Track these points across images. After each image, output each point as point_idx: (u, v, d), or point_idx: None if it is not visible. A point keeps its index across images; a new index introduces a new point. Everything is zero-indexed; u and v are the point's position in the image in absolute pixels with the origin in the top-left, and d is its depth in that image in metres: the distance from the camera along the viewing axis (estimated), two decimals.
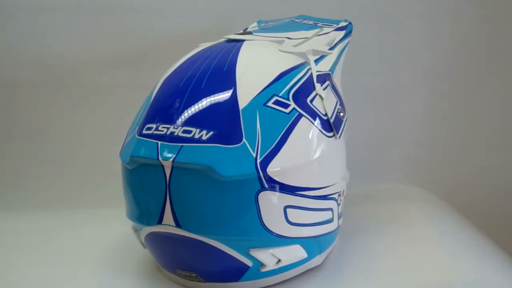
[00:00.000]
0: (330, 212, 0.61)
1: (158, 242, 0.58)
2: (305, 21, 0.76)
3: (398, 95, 0.98)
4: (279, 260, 0.57)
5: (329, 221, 0.61)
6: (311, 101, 0.58)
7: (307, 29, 0.71)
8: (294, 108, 0.56)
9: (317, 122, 0.58)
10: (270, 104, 0.55)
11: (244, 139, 0.52)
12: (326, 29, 0.70)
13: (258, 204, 0.53)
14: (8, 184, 0.93)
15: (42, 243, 0.75)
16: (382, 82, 0.96)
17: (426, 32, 0.95)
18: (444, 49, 0.96)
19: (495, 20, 0.95)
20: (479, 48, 0.96)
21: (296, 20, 0.77)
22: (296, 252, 0.58)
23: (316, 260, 0.62)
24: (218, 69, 0.58)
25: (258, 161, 0.52)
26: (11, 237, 0.78)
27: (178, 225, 0.54)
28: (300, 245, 0.58)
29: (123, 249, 0.71)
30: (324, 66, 0.63)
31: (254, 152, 0.52)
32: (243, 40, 0.65)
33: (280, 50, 0.63)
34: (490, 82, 0.97)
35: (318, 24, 0.74)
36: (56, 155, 0.94)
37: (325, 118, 0.59)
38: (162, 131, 0.54)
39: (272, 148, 0.53)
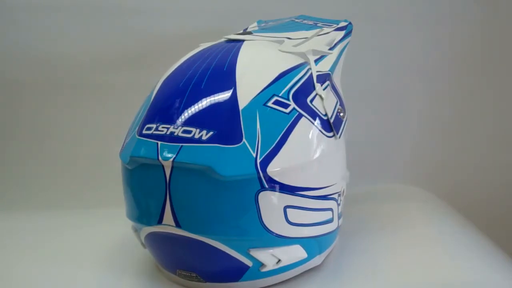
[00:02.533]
0: (330, 212, 0.61)
1: (158, 242, 0.58)
2: (305, 21, 0.76)
3: (398, 95, 0.98)
4: (279, 260, 0.57)
5: (329, 221, 0.61)
6: (311, 101, 0.58)
7: (307, 29, 0.71)
8: (294, 108, 0.56)
9: (317, 122, 0.58)
10: (270, 104, 0.55)
11: (244, 139, 0.52)
12: (326, 29, 0.70)
13: (258, 204, 0.53)
14: (9, 184, 0.93)
15: (42, 243, 0.75)
16: (382, 82, 0.96)
17: (427, 32, 0.95)
18: (444, 49, 0.96)
19: (495, 19, 0.95)
20: (478, 48, 0.96)
21: (296, 20, 0.77)
22: (296, 252, 0.58)
23: (316, 260, 0.62)
24: (218, 69, 0.58)
25: (258, 161, 0.52)
26: (11, 237, 0.78)
27: (178, 225, 0.54)
28: (300, 245, 0.58)
29: (123, 249, 0.71)
30: (324, 66, 0.63)
31: (254, 152, 0.52)
32: (243, 40, 0.65)
33: (280, 50, 0.63)
34: (490, 81, 0.97)
35: (318, 24, 0.74)
36: (56, 155, 0.94)
37: (325, 118, 0.59)
38: (162, 131, 0.54)
39: (272, 148, 0.53)
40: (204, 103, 0.55)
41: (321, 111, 0.59)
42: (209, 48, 0.64)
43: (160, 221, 0.54)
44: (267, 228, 0.54)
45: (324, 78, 0.61)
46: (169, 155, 0.52)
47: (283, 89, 0.57)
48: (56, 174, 0.93)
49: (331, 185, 0.60)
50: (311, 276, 0.62)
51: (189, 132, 0.53)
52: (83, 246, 0.73)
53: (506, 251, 0.72)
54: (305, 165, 0.56)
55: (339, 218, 0.64)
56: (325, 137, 0.58)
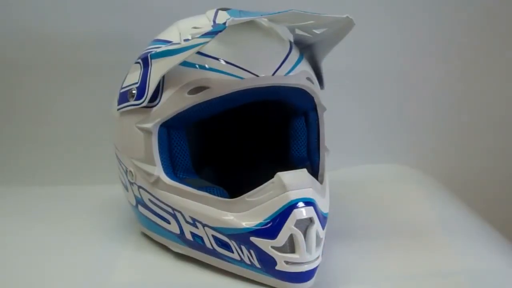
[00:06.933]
0: None
1: None
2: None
3: (402, 76, 0.97)
4: None
5: None
6: None
7: None
8: None
9: None
10: None
11: None
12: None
13: None
14: (8, 160, 0.92)
15: (36, 213, 0.77)
16: (385, 63, 0.95)
17: (435, 11, 0.94)
18: (450, 32, 0.95)
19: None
20: (481, 34, 0.96)
21: None
22: None
23: None
24: None
25: None
26: (10, 208, 0.80)
27: None
28: None
29: (114, 222, 0.74)
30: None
31: None
32: None
33: None
34: (496, 64, 0.98)
35: None
36: (53, 134, 0.92)
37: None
38: None
39: None
40: None
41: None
42: None
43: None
44: None
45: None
46: None
47: None
48: (52, 152, 0.93)
49: None
50: None
51: None
52: (76, 217, 0.76)
53: (504, 235, 0.72)
54: None
55: None
56: None
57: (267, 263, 0.55)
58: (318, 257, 0.55)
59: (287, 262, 0.54)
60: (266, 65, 0.58)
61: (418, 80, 0.97)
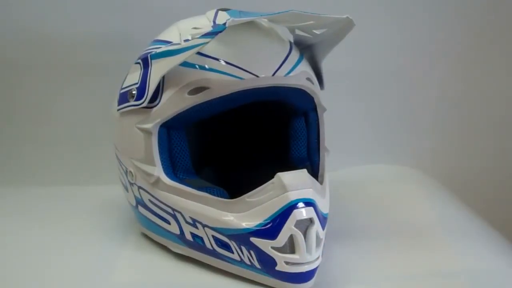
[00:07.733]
0: None
1: None
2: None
3: (403, 77, 0.97)
4: None
5: None
6: None
7: None
8: None
9: None
10: None
11: None
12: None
13: None
14: (8, 160, 0.92)
15: (42, 214, 0.77)
16: (385, 63, 0.95)
17: (434, 12, 0.94)
18: (450, 34, 0.95)
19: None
20: (486, 37, 0.95)
21: None
22: None
23: None
24: None
25: None
26: (11, 209, 0.80)
27: None
28: None
29: (114, 222, 0.74)
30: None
31: None
32: None
33: None
34: (498, 66, 0.97)
35: None
36: (53, 135, 0.92)
37: None
38: None
39: None
40: None
41: None
42: None
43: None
44: None
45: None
46: None
47: None
48: (52, 152, 0.92)
49: None
50: None
51: None
52: (76, 217, 0.76)
53: (504, 235, 0.72)
54: None
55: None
56: None
57: (267, 263, 0.55)
58: (318, 258, 0.55)
59: (287, 263, 0.54)
60: (266, 65, 0.58)
61: (418, 80, 0.97)
